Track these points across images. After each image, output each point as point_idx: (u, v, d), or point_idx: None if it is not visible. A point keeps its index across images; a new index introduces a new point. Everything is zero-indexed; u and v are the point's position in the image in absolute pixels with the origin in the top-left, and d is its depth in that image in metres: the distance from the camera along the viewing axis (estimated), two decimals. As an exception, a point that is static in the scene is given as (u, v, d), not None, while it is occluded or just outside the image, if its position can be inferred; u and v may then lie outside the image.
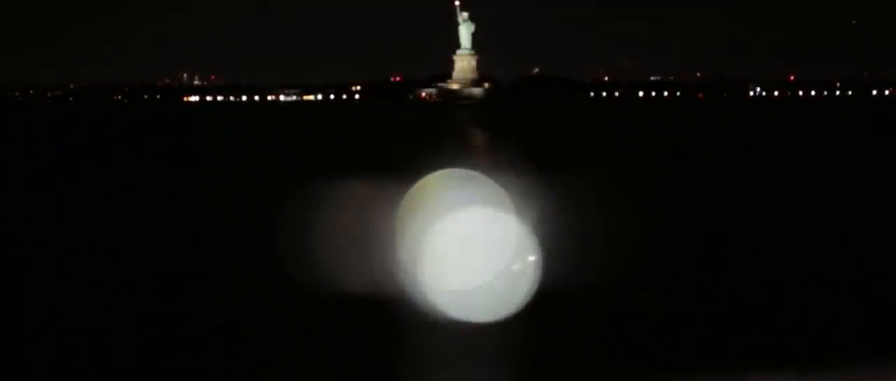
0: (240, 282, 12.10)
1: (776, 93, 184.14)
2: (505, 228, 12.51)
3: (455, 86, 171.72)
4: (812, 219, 17.31)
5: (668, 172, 28.10)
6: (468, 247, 11.90)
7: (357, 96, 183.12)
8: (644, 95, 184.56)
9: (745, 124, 64.37)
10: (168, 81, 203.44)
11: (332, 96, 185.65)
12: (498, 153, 30.35)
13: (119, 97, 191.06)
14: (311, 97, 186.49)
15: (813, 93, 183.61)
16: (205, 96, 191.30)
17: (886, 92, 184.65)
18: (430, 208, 14.06)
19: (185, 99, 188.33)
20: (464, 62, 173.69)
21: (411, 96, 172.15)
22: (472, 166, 21.27)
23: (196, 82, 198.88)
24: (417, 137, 44.53)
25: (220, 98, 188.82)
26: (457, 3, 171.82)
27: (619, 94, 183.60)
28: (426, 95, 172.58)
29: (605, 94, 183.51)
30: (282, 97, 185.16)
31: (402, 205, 15.18)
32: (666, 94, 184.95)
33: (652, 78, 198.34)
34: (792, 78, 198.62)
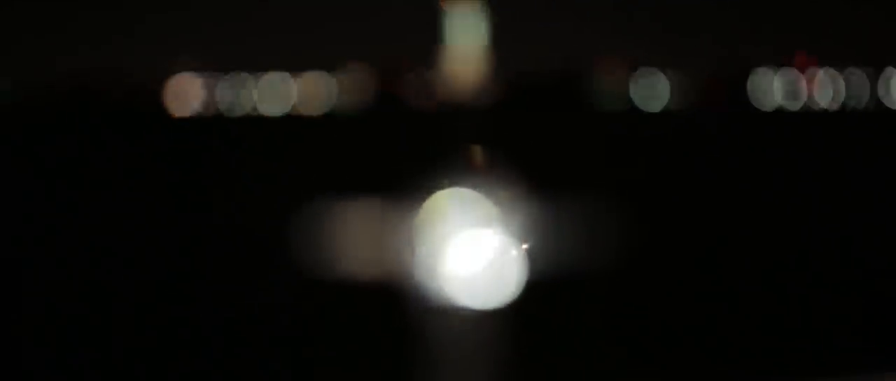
0: (240, 283, 12.13)
1: (782, 84, 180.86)
2: (506, 235, 12.55)
3: (457, 85, 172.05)
4: (813, 219, 17.33)
5: (669, 173, 28.15)
6: (470, 251, 11.93)
7: (351, 88, 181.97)
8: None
9: (746, 123, 64.46)
10: (161, 78, 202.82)
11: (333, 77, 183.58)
12: (499, 161, 30.37)
13: (111, 97, 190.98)
14: (304, 80, 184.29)
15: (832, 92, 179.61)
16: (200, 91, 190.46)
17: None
18: (432, 227, 14.12)
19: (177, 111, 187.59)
20: (466, 60, 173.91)
21: (411, 97, 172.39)
22: (474, 180, 21.28)
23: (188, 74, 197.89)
24: (417, 144, 44.58)
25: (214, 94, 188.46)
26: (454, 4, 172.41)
27: (622, 92, 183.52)
28: (427, 95, 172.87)
29: (610, 92, 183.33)
30: (269, 83, 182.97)
31: (404, 219, 15.20)
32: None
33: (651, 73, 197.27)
34: (803, 72, 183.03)
